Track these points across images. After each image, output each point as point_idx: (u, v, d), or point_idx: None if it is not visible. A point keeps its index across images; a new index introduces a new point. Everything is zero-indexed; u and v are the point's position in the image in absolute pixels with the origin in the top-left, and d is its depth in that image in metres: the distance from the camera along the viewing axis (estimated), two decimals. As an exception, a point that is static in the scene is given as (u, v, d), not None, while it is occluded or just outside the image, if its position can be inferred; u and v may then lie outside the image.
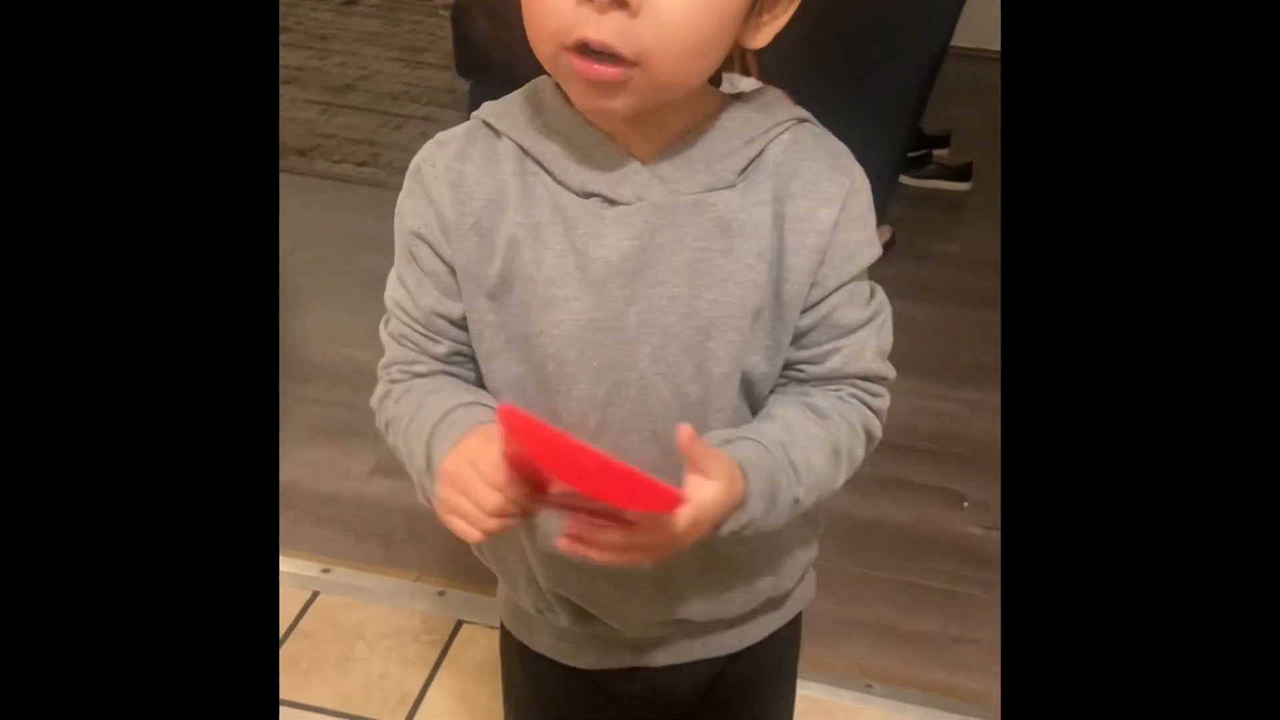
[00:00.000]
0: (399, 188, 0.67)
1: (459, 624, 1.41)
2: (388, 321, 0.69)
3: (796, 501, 0.64)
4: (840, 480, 0.68)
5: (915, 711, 1.33)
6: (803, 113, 0.66)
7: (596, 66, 0.56)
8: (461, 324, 0.67)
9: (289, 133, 2.75)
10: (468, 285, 0.65)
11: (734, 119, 0.64)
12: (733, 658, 0.78)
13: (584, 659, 0.77)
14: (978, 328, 2.11)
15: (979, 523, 1.67)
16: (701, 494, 0.58)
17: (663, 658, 0.76)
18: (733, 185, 0.63)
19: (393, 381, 0.69)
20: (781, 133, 0.64)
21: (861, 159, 0.67)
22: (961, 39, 2.43)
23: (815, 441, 0.65)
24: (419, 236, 0.65)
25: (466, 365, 0.69)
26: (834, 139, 0.67)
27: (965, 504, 1.70)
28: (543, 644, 0.79)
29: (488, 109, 0.67)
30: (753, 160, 0.63)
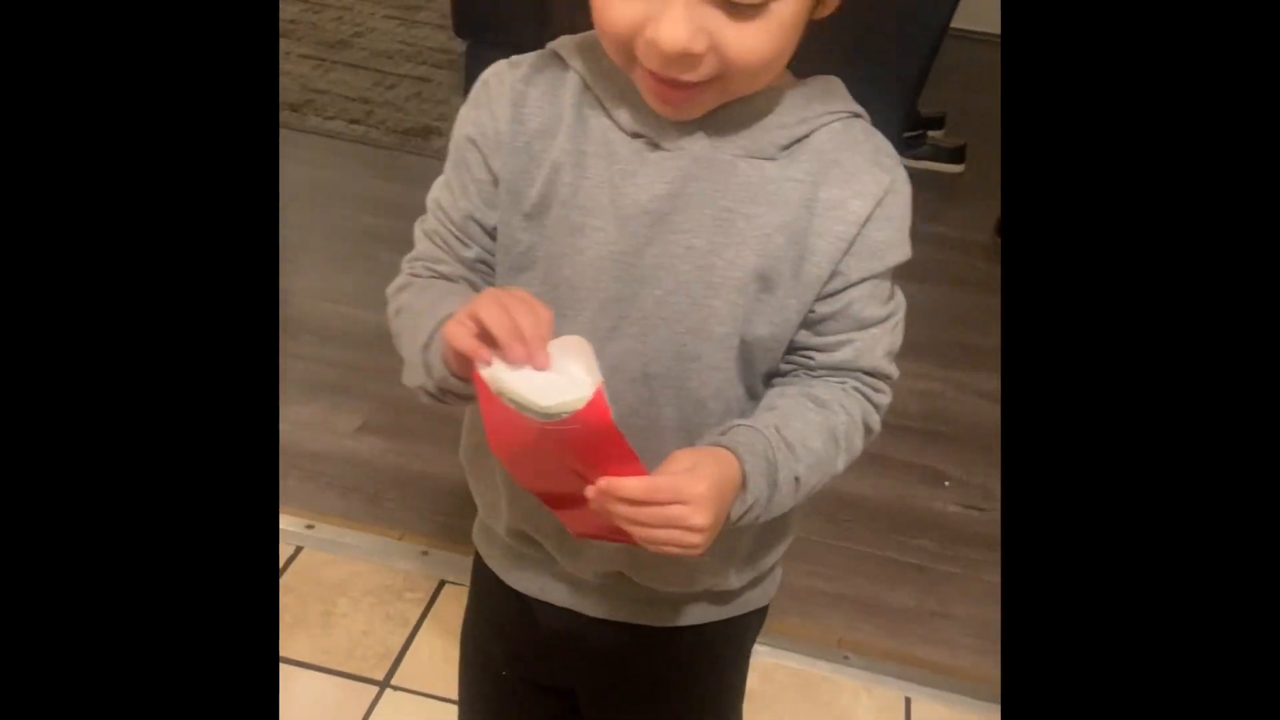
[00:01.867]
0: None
1: (442, 583, 1.42)
2: (424, 219, 0.71)
3: (798, 480, 0.65)
4: (840, 465, 0.68)
5: (891, 684, 1.36)
6: (858, 108, 0.68)
7: (668, 90, 0.60)
8: (493, 234, 0.69)
9: (281, 87, 2.71)
10: (507, 200, 0.67)
11: (793, 99, 0.66)
12: (668, 635, 0.78)
13: (525, 584, 0.79)
14: (967, 309, 2.12)
15: (960, 501, 1.69)
16: (695, 464, 0.59)
17: (595, 608, 0.77)
18: (772, 158, 0.65)
19: (414, 275, 0.70)
20: (833, 121, 0.66)
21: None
22: (960, 21, 2.42)
23: (811, 425, 0.66)
24: (472, 143, 0.68)
25: (489, 276, 0.70)
26: (884, 138, 0.68)
27: (947, 482, 1.72)
28: (495, 555, 0.81)
29: (562, 41, 0.69)
30: (798, 140, 0.65)
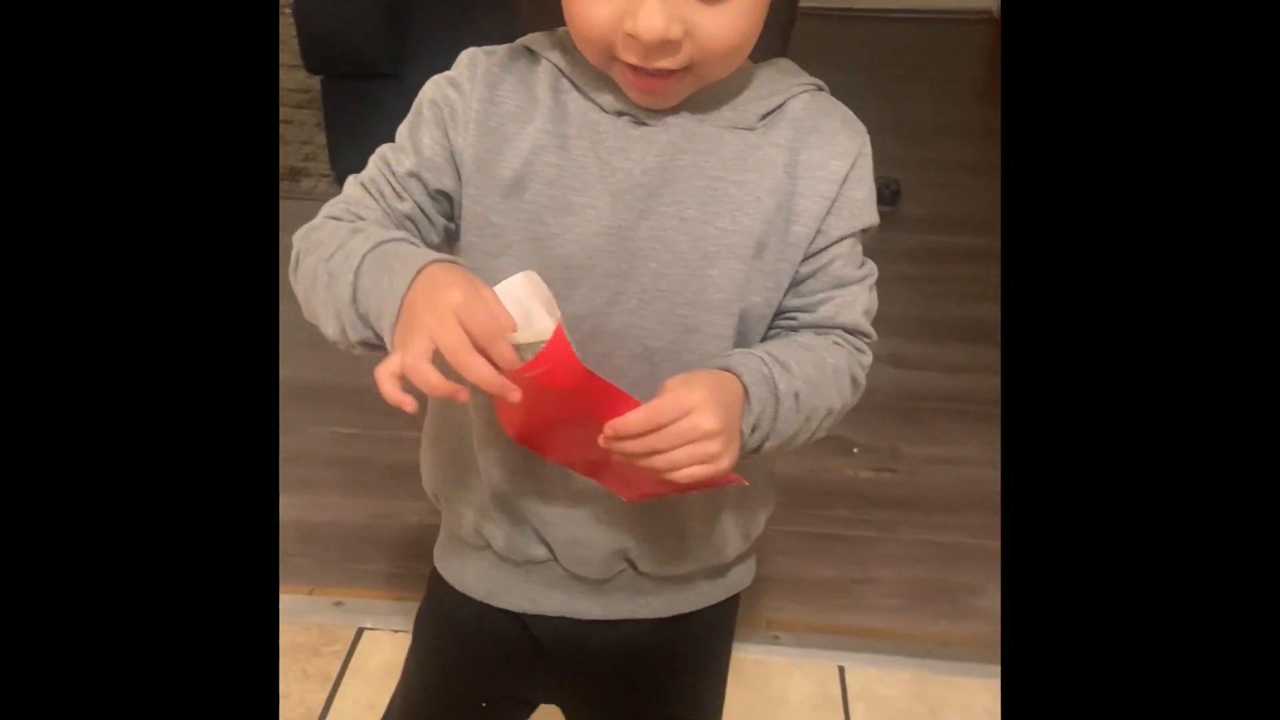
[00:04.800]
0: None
1: (360, 632, 1.37)
2: (361, 172, 0.71)
3: (798, 397, 0.66)
4: (836, 401, 0.69)
5: (823, 656, 1.36)
6: (820, 81, 0.71)
7: (649, 80, 0.62)
8: (434, 195, 0.68)
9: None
10: (479, 179, 0.67)
11: (759, 76, 0.69)
12: (660, 626, 0.79)
13: (514, 600, 0.78)
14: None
15: (870, 465, 1.72)
16: (687, 379, 0.61)
17: (592, 609, 0.77)
18: (753, 128, 0.68)
19: (332, 217, 0.68)
20: (801, 93, 0.69)
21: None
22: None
23: (802, 354, 0.68)
24: (437, 109, 0.68)
25: (419, 233, 0.68)
26: (846, 107, 0.72)
27: (855, 449, 1.74)
28: (473, 580, 0.79)
29: (531, 37, 0.71)
30: (774, 110, 0.68)
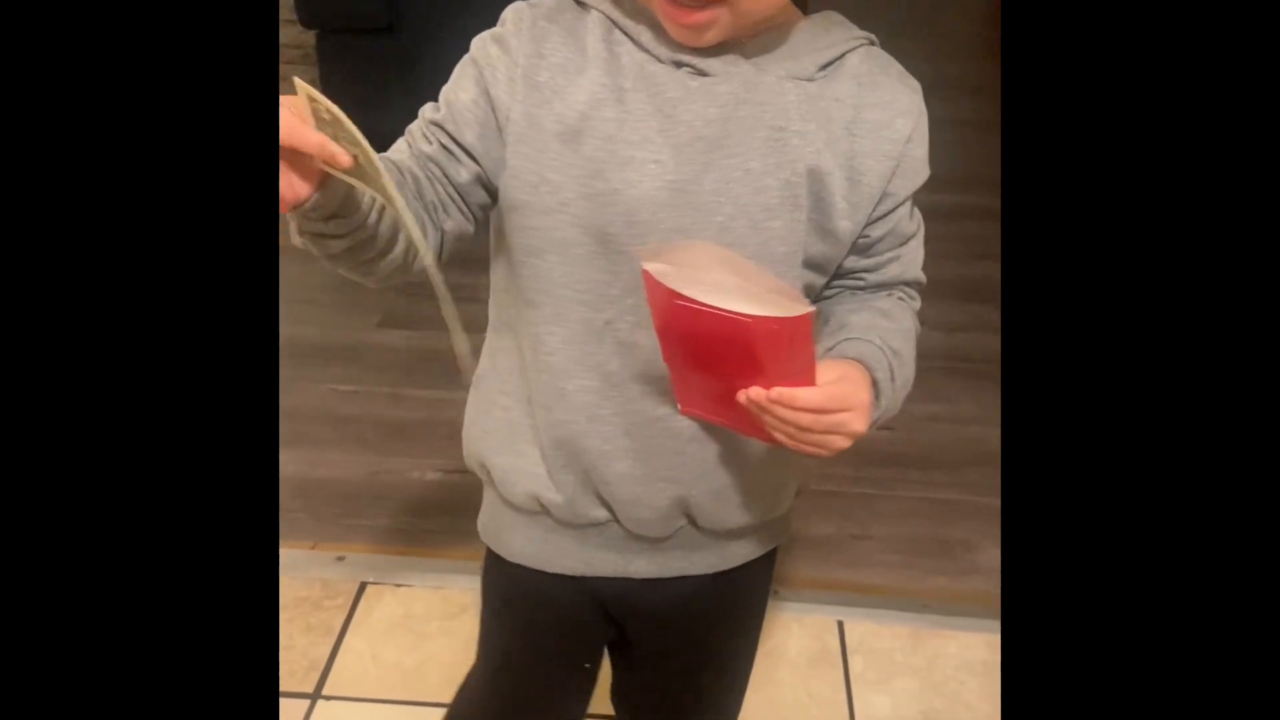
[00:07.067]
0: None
1: (363, 586, 1.39)
2: None
3: (906, 384, 0.69)
4: (913, 367, 0.71)
5: (822, 611, 1.38)
6: (872, 35, 0.71)
7: (689, 15, 0.62)
8: (461, 140, 0.67)
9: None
10: (532, 136, 0.66)
11: (814, 27, 0.69)
12: (711, 581, 0.79)
13: (569, 562, 0.78)
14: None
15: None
16: (843, 373, 0.63)
17: (646, 568, 0.78)
18: (812, 79, 0.67)
19: None
20: (858, 46, 0.69)
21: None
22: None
23: (896, 334, 0.70)
24: (476, 67, 0.68)
25: (435, 181, 0.68)
26: (899, 64, 0.71)
27: (854, 408, 1.75)
28: (524, 546, 0.79)
29: None
30: (832, 62, 0.68)
